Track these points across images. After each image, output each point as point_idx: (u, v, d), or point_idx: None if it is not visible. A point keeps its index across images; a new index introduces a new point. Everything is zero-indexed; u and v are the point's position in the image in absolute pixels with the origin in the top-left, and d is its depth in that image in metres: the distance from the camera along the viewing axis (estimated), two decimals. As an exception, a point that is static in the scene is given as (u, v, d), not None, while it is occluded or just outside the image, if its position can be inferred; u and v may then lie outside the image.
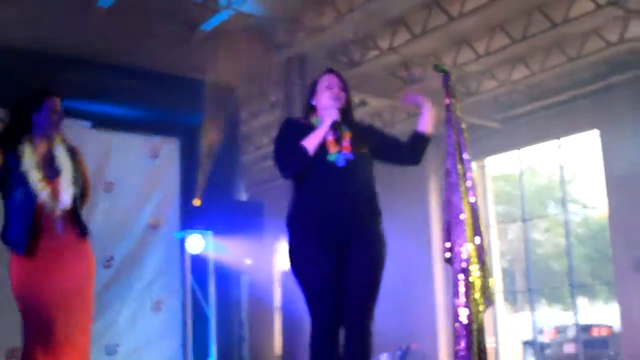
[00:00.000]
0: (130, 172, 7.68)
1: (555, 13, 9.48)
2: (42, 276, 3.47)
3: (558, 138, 12.55)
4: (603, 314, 15.95)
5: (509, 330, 13.22)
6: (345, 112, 3.40)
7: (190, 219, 7.50)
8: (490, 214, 13.58)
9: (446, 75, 3.35)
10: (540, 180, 22.10)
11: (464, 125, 3.30)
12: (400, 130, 13.63)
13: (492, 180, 14.50)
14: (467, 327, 2.84)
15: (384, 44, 10.13)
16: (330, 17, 9.16)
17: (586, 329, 12.76)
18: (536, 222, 19.51)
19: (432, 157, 14.04)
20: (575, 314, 12.60)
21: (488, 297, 2.93)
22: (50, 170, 3.56)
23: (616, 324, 12.42)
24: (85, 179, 3.76)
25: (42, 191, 3.50)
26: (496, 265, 13.33)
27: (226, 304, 7.32)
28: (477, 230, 2.99)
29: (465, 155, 3.14)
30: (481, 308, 2.90)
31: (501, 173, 19.10)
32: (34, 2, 7.92)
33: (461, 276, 2.91)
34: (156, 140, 7.99)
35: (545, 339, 13.38)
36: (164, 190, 7.84)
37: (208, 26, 8.86)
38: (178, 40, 9.08)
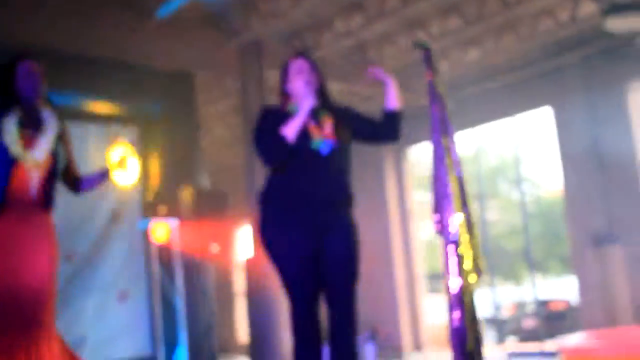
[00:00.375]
0: (88, 163, 7.52)
1: (508, -6, 9.60)
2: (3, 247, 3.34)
3: (512, 115, 12.73)
4: (557, 288, 16.33)
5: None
6: (321, 94, 3.39)
7: (153, 208, 7.40)
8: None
9: (427, 50, 3.35)
10: (491, 161, 22.47)
11: (446, 101, 3.30)
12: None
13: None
14: (460, 297, 2.87)
15: (340, 28, 10.11)
16: (286, 2, 9.10)
17: (544, 303, 13.06)
18: (489, 202, 19.86)
19: (389, 146, 14.13)
20: (534, 289, 12.87)
21: (478, 267, 2.97)
22: (33, 128, 3.48)
23: (572, 298, 12.75)
24: (70, 153, 3.67)
25: (15, 144, 3.39)
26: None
27: (194, 292, 7.25)
28: (464, 203, 3.02)
29: (450, 131, 3.16)
30: (472, 278, 2.93)
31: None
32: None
33: (451, 247, 2.94)
34: (114, 129, 7.85)
35: (504, 315, 13.65)
36: (123, 179, 7.70)
37: (163, 13, 8.70)
38: (133, 27, 8.91)
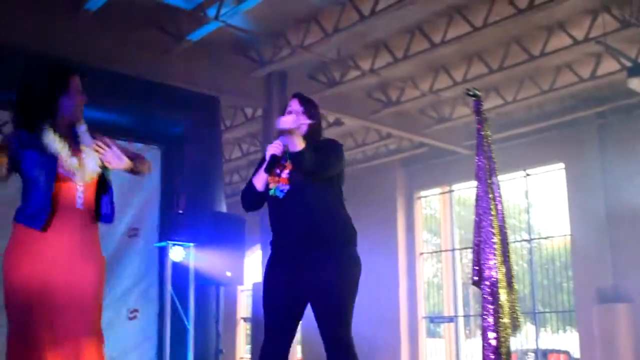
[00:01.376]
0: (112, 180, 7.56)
1: (532, 46, 9.74)
2: (48, 261, 3.20)
3: (524, 169, 12.83)
4: (557, 339, 16.25)
5: (468, 354, 13.38)
6: (309, 136, 3.32)
7: (170, 230, 7.42)
8: (455, 239, 13.80)
9: (477, 100, 3.38)
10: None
11: (492, 148, 3.34)
12: (372, 152, 13.81)
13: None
14: (496, 351, 2.88)
15: (365, 65, 10.24)
16: (315, 36, 9.24)
17: (544, 354, 13.01)
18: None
19: (399, 178, 14.22)
20: (537, 339, 12.84)
21: (516, 321, 2.99)
22: (74, 145, 3.46)
23: (572, 350, 12.71)
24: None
25: (67, 157, 3.26)
26: (459, 289, 13.53)
27: (204, 315, 7.25)
28: (505, 254, 3.06)
29: (495, 180, 3.20)
30: (509, 332, 2.95)
31: (459, 197, 19.37)
32: (19, 1, 7.82)
33: (489, 299, 2.96)
34: (137, 147, 7.89)
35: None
36: (144, 197, 7.75)
37: (195, 37, 8.83)
38: (164, 48, 9.04)
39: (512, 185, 13.36)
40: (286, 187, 3.27)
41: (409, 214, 13.86)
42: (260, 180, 3.32)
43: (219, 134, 8.67)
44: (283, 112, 3.39)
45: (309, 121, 3.38)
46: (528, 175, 12.89)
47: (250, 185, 3.35)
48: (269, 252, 3.39)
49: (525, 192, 13.15)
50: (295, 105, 3.41)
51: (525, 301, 13.20)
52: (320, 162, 3.24)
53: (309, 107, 3.45)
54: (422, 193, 14.26)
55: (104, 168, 3.51)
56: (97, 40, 8.35)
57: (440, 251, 14.23)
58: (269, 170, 3.26)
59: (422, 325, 13.47)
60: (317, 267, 3.19)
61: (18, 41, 7.21)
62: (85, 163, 3.38)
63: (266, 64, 9.87)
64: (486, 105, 11.41)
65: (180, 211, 7.37)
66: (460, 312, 13.52)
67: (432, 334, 14.77)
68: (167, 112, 8.03)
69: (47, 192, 3.25)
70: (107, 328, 7.10)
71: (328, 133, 13.08)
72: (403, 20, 9.12)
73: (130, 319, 7.25)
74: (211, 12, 8.47)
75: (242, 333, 16.81)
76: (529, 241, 13.40)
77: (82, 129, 3.52)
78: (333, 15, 8.88)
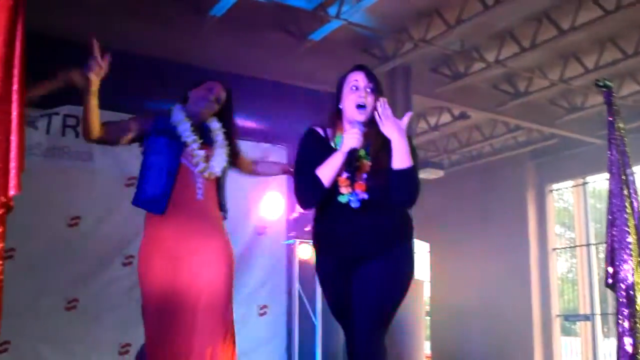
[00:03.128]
0: (239, 177, 7.76)
1: (671, 27, 9.16)
2: (174, 251, 3.32)
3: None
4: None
5: (606, 354, 12.78)
6: (373, 122, 2.83)
7: (297, 226, 7.54)
8: (591, 233, 13.20)
9: (609, 91, 3.19)
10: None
11: (626, 141, 3.14)
12: (500, 144, 13.44)
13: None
14: (633, 357, 2.72)
15: (490, 56, 9.98)
16: (438, 29, 9.09)
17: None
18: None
19: (530, 171, 13.81)
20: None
21: (655, 325, 2.81)
22: (207, 139, 3.52)
23: None
24: (239, 157, 3.75)
25: (196, 150, 3.42)
26: (595, 286, 12.94)
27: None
28: (643, 254, 2.88)
29: (630, 175, 3.01)
30: (648, 337, 2.78)
31: (593, 190, 18.53)
32: (143, 6, 8.14)
33: (624, 302, 2.80)
34: (264, 147, 8.06)
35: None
36: (271, 195, 7.91)
37: (317, 36, 8.92)
38: (287, 48, 9.19)
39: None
40: (364, 196, 2.78)
41: (541, 208, 13.39)
42: (330, 177, 2.77)
43: (342, 130, 8.71)
44: (340, 90, 2.93)
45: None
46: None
47: (315, 179, 2.78)
48: (318, 254, 3.06)
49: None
50: (363, 78, 2.90)
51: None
52: (418, 186, 2.80)
53: (376, 81, 2.93)
54: (554, 186, 13.74)
55: (227, 170, 3.63)
56: (223, 45, 8.60)
57: (575, 246, 13.67)
58: (348, 168, 2.77)
59: (556, 324, 12.98)
60: (379, 262, 2.82)
61: (146, 50, 7.52)
62: (212, 159, 3.48)
63: (389, 60, 9.81)
64: (622, 92, 10.95)
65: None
66: (597, 310, 12.91)
67: (567, 332, 14.23)
68: (291, 112, 8.15)
69: (169, 179, 3.36)
70: (240, 324, 7.34)
71: (454, 127, 12.94)
72: (529, 8, 8.82)
73: (261, 315, 7.41)
74: (332, 10, 8.52)
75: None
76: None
77: (215, 125, 3.63)
78: (455, 7, 8.70)
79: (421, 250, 15.35)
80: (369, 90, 2.88)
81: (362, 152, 2.80)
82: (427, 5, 8.91)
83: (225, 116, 3.70)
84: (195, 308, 3.24)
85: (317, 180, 2.77)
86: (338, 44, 9.32)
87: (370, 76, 2.92)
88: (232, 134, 3.67)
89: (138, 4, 8.03)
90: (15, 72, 1.88)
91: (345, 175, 2.78)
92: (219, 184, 3.55)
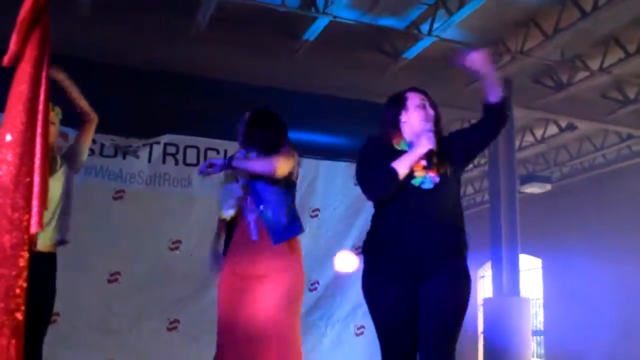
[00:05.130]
0: (334, 198, 7.85)
1: None
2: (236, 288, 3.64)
3: None
4: None
5: None
6: (436, 133, 3.15)
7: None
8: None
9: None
10: None
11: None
12: (614, 155, 12.86)
13: None
14: None
15: (594, 64, 9.61)
16: (536, 39, 8.87)
17: None
18: None
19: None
20: None
21: None
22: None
23: None
24: None
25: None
26: None
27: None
28: None
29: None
30: None
31: None
32: (238, 34, 8.40)
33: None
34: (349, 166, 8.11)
35: None
36: (367, 215, 7.89)
37: (411, 54, 8.92)
38: (380, 68, 9.24)
39: None
40: (437, 179, 3.05)
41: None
42: (405, 172, 3.02)
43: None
44: (404, 105, 3.24)
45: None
46: None
47: (390, 171, 3.02)
48: (374, 260, 3.09)
49: None
50: (425, 98, 3.26)
51: None
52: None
53: (434, 102, 3.29)
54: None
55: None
56: (316, 67, 8.76)
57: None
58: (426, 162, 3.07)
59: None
60: (448, 276, 2.97)
61: (241, 77, 7.77)
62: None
63: (486, 74, 9.62)
64: None
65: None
66: None
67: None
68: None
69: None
70: (337, 344, 7.40)
71: (561, 138, 12.53)
72: (632, 11, 8.43)
73: (358, 335, 7.43)
74: (424, 28, 8.50)
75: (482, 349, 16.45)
76: None
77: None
78: (552, 16, 8.46)
79: (532, 266, 14.88)
80: (431, 106, 3.26)
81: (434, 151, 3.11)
82: (522, 16, 8.71)
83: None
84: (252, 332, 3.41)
85: (394, 172, 3.01)
86: (432, 60, 9.26)
87: (429, 96, 3.30)
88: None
89: (232, 33, 8.32)
90: (40, 117, 2.02)
91: (420, 162, 3.07)
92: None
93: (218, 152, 7.18)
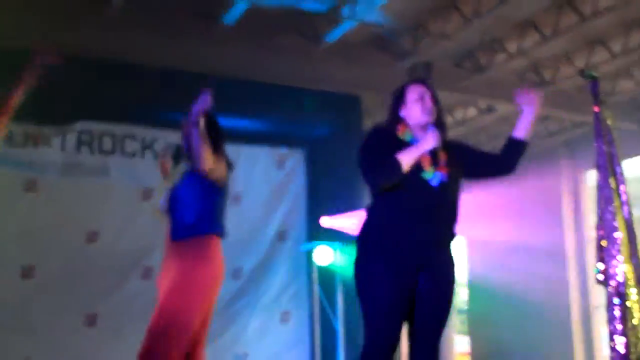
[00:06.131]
0: (257, 184, 7.76)
1: (700, 6, 8.81)
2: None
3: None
4: None
5: None
6: (438, 127, 3.19)
7: (317, 230, 7.48)
8: (628, 220, 12.85)
9: (595, 81, 3.06)
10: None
11: (615, 135, 3.01)
12: (531, 135, 13.10)
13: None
14: (625, 357, 2.58)
15: (512, 47, 9.76)
16: (456, 23, 8.92)
17: None
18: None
19: (563, 160, 13.52)
20: None
21: (648, 324, 2.66)
22: None
23: None
24: None
25: None
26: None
27: (354, 316, 7.23)
28: (634, 249, 2.74)
29: (618, 168, 2.87)
30: (640, 336, 2.64)
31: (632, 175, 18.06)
32: (158, 18, 8.16)
33: (616, 300, 2.66)
34: (282, 152, 8.04)
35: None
36: (290, 201, 7.88)
37: (332, 38, 8.83)
38: (302, 52, 9.12)
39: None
40: (445, 177, 3.10)
41: (576, 197, 13.08)
42: (408, 165, 3.04)
43: (361, 132, 8.60)
44: (403, 99, 3.24)
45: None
46: None
47: (394, 161, 3.03)
48: (374, 247, 3.08)
49: None
50: (426, 91, 3.26)
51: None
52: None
53: (435, 93, 3.31)
54: (589, 174, 13.40)
55: None
56: (236, 52, 8.57)
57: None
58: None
59: (596, 315, 12.67)
60: (444, 266, 3.14)
61: (159, 61, 7.53)
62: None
63: (407, 57, 9.66)
64: (655, 77, 10.56)
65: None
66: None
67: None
68: (309, 115, 8.11)
69: None
70: (260, 330, 7.35)
71: (481, 121, 12.69)
72: (547, -4, 8.60)
73: (283, 321, 7.40)
74: (346, 11, 8.42)
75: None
76: None
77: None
78: (473, 0, 8.52)
79: (457, 245, 15.12)
80: (431, 99, 3.26)
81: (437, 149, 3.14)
82: (444, 0, 8.74)
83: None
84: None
85: (398, 162, 3.02)
86: (354, 45, 9.21)
87: (431, 87, 3.30)
88: None
89: (148, 15, 8.05)
90: None
91: (428, 155, 3.11)
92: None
93: (135, 139, 6.97)
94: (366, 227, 3.19)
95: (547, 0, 8.75)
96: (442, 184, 3.08)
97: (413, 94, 3.24)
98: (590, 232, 12.90)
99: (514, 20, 9.21)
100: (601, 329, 12.63)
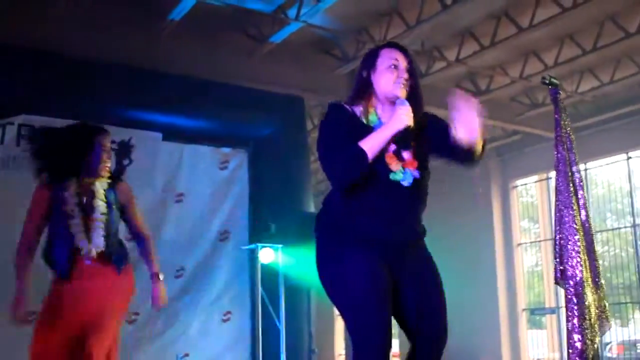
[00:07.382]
0: (200, 183, 7.71)
1: (628, 22, 9.25)
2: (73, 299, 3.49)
3: (626, 152, 12.25)
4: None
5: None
6: (412, 103, 2.63)
7: (259, 232, 7.48)
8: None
9: (555, 89, 3.18)
10: (598, 190, 21.56)
11: (573, 138, 3.13)
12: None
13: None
14: (582, 354, 2.71)
15: (451, 55, 10.01)
16: (398, 29, 9.10)
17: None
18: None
19: (493, 167, 13.88)
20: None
21: (604, 322, 2.81)
22: (88, 209, 3.57)
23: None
24: (132, 214, 3.75)
25: (78, 235, 3.53)
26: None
27: (296, 316, 7.28)
28: (590, 250, 2.88)
29: (576, 172, 3.01)
30: (596, 334, 2.77)
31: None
32: (102, 12, 8.04)
33: (574, 300, 2.79)
34: (225, 152, 8.01)
35: (611, 355, 13.04)
36: (233, 201, 7.85)
37: (277, 38, 8.87)
38: (247, 52, 9.14)
39: (614, 169, 12.80)
40: (416, 174, 2.61)
41: (505, 204, 13.51)
42: (375, 152, 2.54)
43: (305, 133, 8.66)
44: (373, 64, 2.68)
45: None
46: (630, 158, 12.30)
47: (360, 153, 2.51)
48: (344, 238, 2.58)
49: (628, 175, 12.53)
50: (402, 58, 2.68)
51: (631, 289, 12.63)
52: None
53: (414, 62, 2.75)
54: (518, 182, 13.86)
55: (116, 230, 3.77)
56: (182, 49, 8.53)
57: (539, 241, 13.81)
58: (401, 145, 2.60)
59: (523, 317, 13.11)
60: (422, 260, 2.69)
61: (104, 56, 7.42)
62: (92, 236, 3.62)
63: (350, 61, 9.79)
64: (582, 87, 11.04)
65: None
66: (563, 303, 13.03)
67: (537, 324, 14.36)
68: (253, 115, 8.09)
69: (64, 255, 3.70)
70: (202, 330, 7.28)
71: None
72: (488, 7, 8.87)
73: (224, 321, 7.36)
74: (292, 13, 8.48)
75: (340, 330, 16.85)
76: (633, 227, 12.75)
77: (97, 188, 3.67)
78: (415, 7, 8.71)
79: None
80: (408, 70, 2.71)
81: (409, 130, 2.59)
82: (387, 6, 8.91)
83: None
84: None
85: (363, 154, 2.51)
86: (299, 46, 9.30)
87: (409, 56, 2.74)
88: None
89: (93, 11, 7.92)
90: None
91: (392, 149, 2.60)
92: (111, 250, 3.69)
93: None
94: (325, 221, 2.69)
95: (486, 11, 9.04)
96: (414, 181, 2.61)
97: (386, 59, 2.68)
98: (517, 239, 13.33)
99: (453, 28, 9.47)
100: (527, 331, 13.08)
